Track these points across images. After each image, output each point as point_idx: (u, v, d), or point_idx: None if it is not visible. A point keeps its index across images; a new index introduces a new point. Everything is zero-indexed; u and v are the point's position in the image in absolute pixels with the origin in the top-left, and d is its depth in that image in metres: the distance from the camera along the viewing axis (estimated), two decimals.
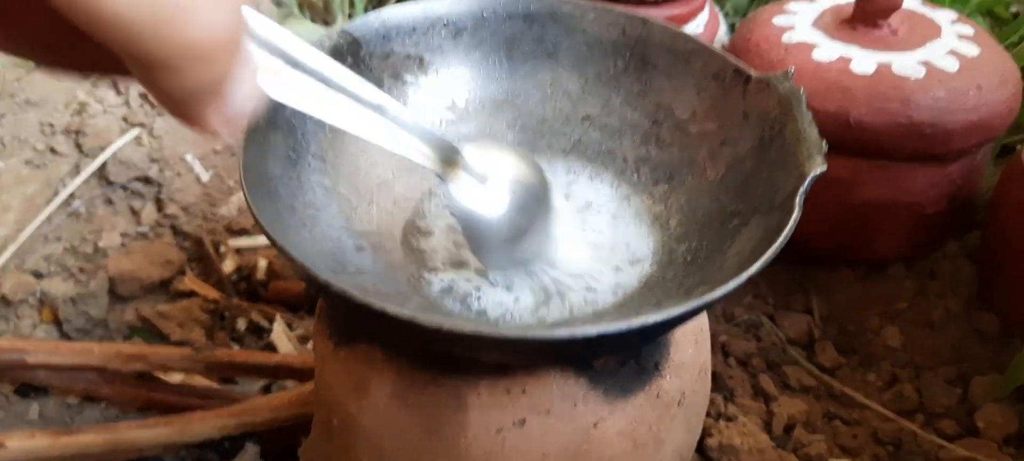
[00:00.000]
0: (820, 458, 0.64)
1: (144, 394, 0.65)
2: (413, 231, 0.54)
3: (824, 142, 0.46)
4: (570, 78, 0.60)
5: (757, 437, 0.64)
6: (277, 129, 0.51)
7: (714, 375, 0.72)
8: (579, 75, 0.59)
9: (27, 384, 0.66)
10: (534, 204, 0.50)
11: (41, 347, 0.63)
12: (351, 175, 0.54)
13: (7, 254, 0.74)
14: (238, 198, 0.85)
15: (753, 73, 0.52)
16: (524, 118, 0.60)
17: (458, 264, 0.51)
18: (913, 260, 0.78)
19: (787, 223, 0.43)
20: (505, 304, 0.49)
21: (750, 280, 0.40)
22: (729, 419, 0.67)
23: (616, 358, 0.49)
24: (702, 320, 0.53)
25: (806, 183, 0.44)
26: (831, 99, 0.68)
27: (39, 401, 0.66)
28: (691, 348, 0.51)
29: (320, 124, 0.54)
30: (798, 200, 0.44)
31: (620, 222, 0.55)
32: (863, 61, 0.70)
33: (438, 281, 0.50)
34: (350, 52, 0.56)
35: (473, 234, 0.47)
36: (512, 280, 0.51)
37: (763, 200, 0.48)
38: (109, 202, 0.81)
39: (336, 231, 0.51)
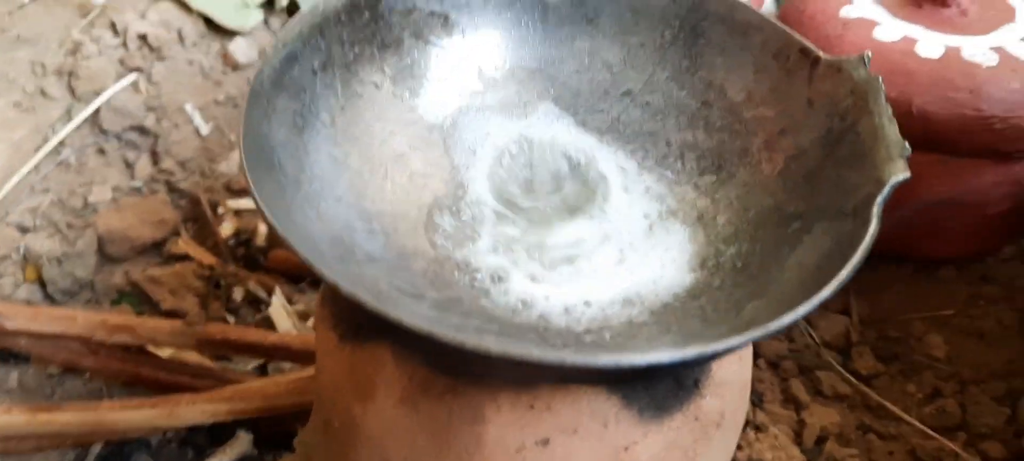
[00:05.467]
0: None
1: (130, 368, 0.60)
2: (434, 215, 0.48)
3: (906, 144, 0.40)
4: (611, 48, 0.54)
5: (788, 451, 0.59)
6: (283, 90, 0.45)
7: None
8: (621, 45, 0.54)
9: (6, 350, 0.61)
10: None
11: (21, 312, 0.58)
12: (365, 145, 0.49)
13: None
14: (239, 154, 0.79)
15: (822, 55, 0.46)
16: (557, 89, 0.54)
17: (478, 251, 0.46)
18: (965, 263, 0.72)
19: (864, 236, 0.37)
20: (533, 299, 0.44)
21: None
22: (758, 428, 0.62)
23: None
24: None
25: (886, 190, 0.39)
26: (893, 84, 0.62)
27: (19, 369, 0.61)
28: (735, 364, 0.45)
29: (331, 86, 0.48)
30: (876, 209, 0.38)
31: (660, 216, 0.49)
32: (929, 44, 0.64)
33: (458, 272, 0.45)
34: (368, 6, 0.50)
35: None
36: (539, 271, 0.45)
37: (830, 203, 0.42)
38: (101, 152, 0.75)
39: (345, 210, 0.46)
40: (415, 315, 0.36)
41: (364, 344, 0.45)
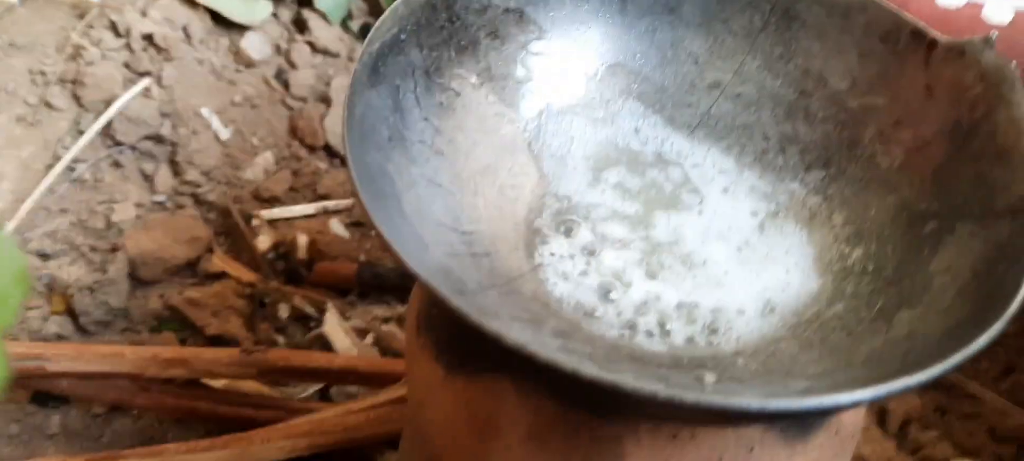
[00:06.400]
0: None
1: (186, 403, 0.56)
2: (532, 231, 0.45)
3: None
4: (695, 38, 0.50)
5: (882, 444, 0.57)
6: (371, 109, 0.41)
7: None
8: (706, 33, 0.50)
9: (44, 392, 0.57)
10: None
11: (63, 352, 0.54)
12: (451, 160, 0.45)
13: (7, 231, 0.64)
14: (263, 159, 0.74)
15: (940, 38, 0.44)
16: (640, 85, 0.51)
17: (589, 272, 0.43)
18: None
19: None
20: (661, 322, 0.41)
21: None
22: None
23: None
24: None
25: None
26: None
27: (60, 412, 0.57)
28: None
29: (414, 97, 0.45)
30: None
31: (769, 215, 0.46)
32: (996, 7, 0.61)
33: (569, 293, 0.42)
34: (444, 6, 0.46)
35: None
36: (657, 284, 0.43)
37: (973, 202, 0.40)
38: (117, 165, 0.70)
39: (447, 234, 0.42)
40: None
41: (478, 376, 0.41)
